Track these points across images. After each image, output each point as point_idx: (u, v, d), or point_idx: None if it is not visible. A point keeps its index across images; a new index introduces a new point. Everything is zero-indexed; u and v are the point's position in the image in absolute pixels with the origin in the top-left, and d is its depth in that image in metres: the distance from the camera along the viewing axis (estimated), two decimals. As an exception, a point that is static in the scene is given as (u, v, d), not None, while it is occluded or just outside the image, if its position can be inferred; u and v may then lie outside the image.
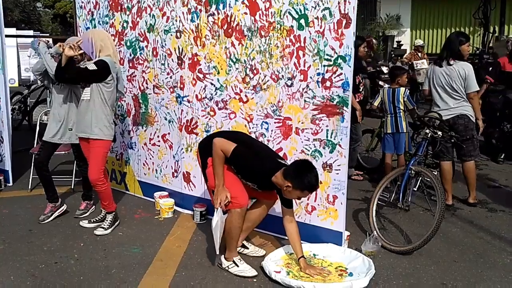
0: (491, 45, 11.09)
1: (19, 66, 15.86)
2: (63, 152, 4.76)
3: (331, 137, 3.39)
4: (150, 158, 4.65)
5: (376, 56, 8.50)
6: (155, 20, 4.29)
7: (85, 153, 3.89)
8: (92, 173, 3.73)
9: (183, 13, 4.04)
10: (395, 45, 17.60)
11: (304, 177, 2.90)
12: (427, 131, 3.91)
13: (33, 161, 4.25)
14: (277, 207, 3.38)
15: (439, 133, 3.88)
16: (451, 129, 4.18)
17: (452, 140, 4.01)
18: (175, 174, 4.45)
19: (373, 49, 8.10)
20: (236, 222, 3.10)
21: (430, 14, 18.42)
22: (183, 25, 4.07)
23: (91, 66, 3.61)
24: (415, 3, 18.48)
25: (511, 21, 13.25)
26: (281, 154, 3.65)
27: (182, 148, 4.30)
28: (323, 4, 3.25)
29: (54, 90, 4.12)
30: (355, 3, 3.14)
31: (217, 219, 3.03)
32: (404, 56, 7.93)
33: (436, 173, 4.01)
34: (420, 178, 3.88)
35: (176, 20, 4.11)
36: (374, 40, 8.19)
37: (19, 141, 5.83)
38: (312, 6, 3.30)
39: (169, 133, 4.42)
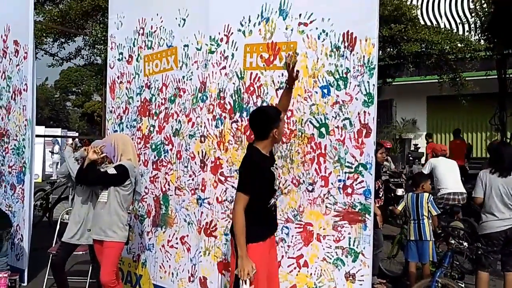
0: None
1: (44, 161, 16.37)
2: (80, 252, 4.72)
3: (353, 245, 3.33)
4: (167, 261, 4.57)
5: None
6: (181, 125, 4.48)
7: (98, 255, 3.87)
8: (103, 274, 3.68)
9: (208, 119, 4.23)
10: (412, 148, 17.78)
11: (266, 113, 3.08)
12: (452, 241, 3.82)
13: (50, 261, 4.22)
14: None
15: (465, 244, 3.79)
16: (507, 241, 4.12)
17: (479, 252, 3.90)
18: (192, 279, 4.33)
19: None
20: None
21: (445, 119, 18.74)
22: (207, 131, 4.23)
23: (111, 171, 3.73)
24: (430, 108, 18.87)
25: (527, 127, 13.38)
26: (301, 261, 3.58)
27: (200, 252, 4.24)
28: (343, 115, 3.39)
29: (77, 190, 4.23)
30: (374, 114, 3.27)
31: None
32: None
33: (463, 286, 3.83)
34: (448, 291, 3.71)
35: (201, 126, 4.29)
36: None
37: (38, 239, 5.83)
38: (332, 116, 3.44)
39: (187, 235, 4.39)
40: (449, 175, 6.51)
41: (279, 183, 3.31)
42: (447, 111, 18.05)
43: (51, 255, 4.57)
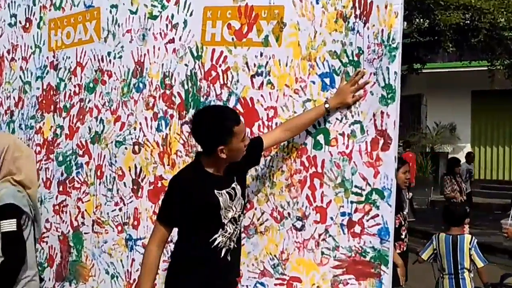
0: None
1: None
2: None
3: (362, 312, 3.37)
4: (79, 335, 4.53)
5: None
6: (104, 126, 4.46)
7: None
8: None
9: (146, 118, 4.22)
10: (450, 166, 17.88)
11: (212, 120, 3.11)
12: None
13: None
14: None
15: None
16: None
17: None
18: None
19: None
20: None
21: (497, 124, 18.96)
22: (144, 135, 4.23)
23: (6, 227, 3.49)
24: (476, 109, 19.06)
25: None
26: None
27: (130, 321, 4.23)
28: (351, 117, 3.43)
29: None
30: (396, 116, 3.31)
31: None
32: None
33: None
34: None
35: (134, 128, 4.29)
36: None
37: None
38: (336, 118, 3.48)
39: (111, 295, 4.37)
40: None
41: (239, 215, 3.29)
42: (500, 113, 18.29)
43: None
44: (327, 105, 3.43)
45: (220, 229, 3.17)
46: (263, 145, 3.41)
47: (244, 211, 3.45)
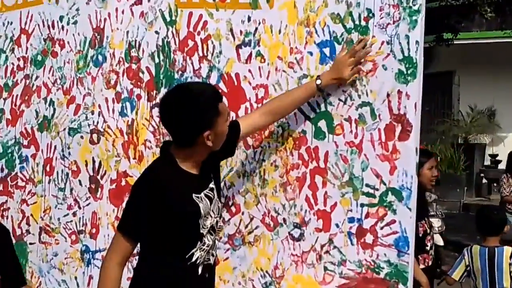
0: None
1: None
2: None
3: None
4: None
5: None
6: (55, 109, 4.46)
7: None
8: None
9: (106, 99, 4.21)
10: (487, 161, 17.95)
11: (192, 100, 2.99)
12: None
13: None
14: None
15: None
16: None
17: None
18: None
19: None
20: None
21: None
22: (104, 121, 4.22)
23: None
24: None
25: None
26: None
27: None
28: (358, 97, 3.37)
29: None
30: (418, 98, 3.26)
31: None
32: None
33: None
34: None
35: (92, 112, 4.27)
36: None
37: None
38: (339, 99, 3.42)
39: (62, 319, 4.39)
40: None
41: (216, 222, 3.24)
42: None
43: None
44: (318, 81, 3.35)
45: (198, 242, 3.10)
46: (240, 131, 3.34)
47: (222, 216, 3.44)
